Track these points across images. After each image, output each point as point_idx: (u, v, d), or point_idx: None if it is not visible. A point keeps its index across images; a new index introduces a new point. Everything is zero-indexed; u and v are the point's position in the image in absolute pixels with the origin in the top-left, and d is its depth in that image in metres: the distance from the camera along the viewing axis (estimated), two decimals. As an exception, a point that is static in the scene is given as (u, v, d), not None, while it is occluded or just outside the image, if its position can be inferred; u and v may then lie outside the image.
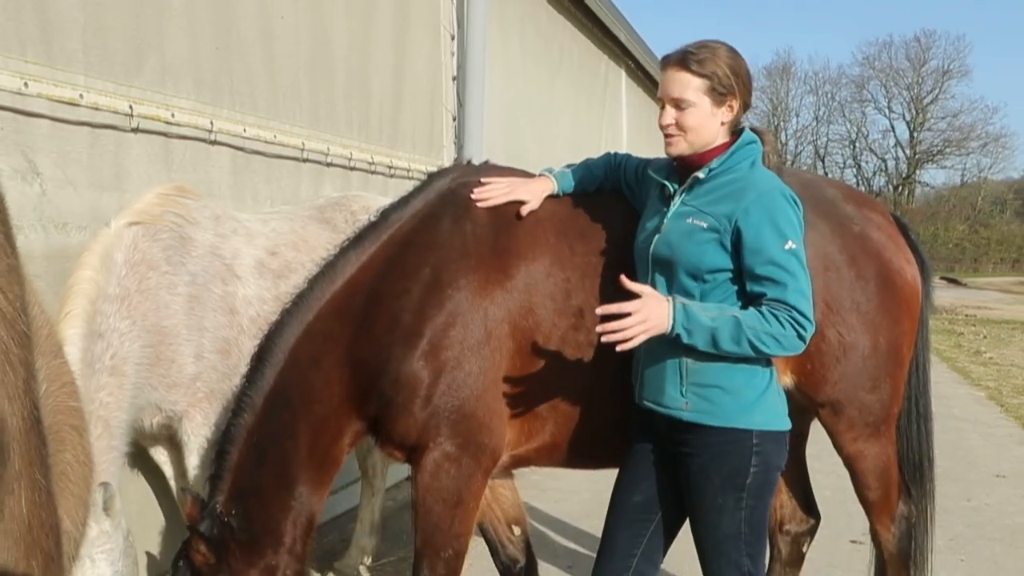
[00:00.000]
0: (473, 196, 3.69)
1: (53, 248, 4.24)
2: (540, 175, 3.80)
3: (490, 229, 3.63)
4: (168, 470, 4.59)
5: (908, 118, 75.94)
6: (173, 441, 4.35)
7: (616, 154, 3.81)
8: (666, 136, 3.23)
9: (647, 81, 18.19)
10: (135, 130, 4.72)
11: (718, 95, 3.16)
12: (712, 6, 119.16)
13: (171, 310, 4.06)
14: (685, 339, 3.00)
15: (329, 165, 6.55)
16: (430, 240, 3.62)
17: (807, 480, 4.52)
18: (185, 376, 4.11)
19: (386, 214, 3.76)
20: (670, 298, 3.04)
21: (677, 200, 3.25)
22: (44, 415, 1.44)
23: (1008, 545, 6.61)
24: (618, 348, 3.00)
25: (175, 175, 4.99)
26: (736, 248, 3.08)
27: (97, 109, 4.49)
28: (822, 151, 77.92)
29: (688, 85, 3.15)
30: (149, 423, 4.18)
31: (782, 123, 74.60)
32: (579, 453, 3.74)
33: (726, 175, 3.18)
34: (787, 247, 3.04)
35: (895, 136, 77.75)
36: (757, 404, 3.19)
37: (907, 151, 76.20)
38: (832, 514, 5.83)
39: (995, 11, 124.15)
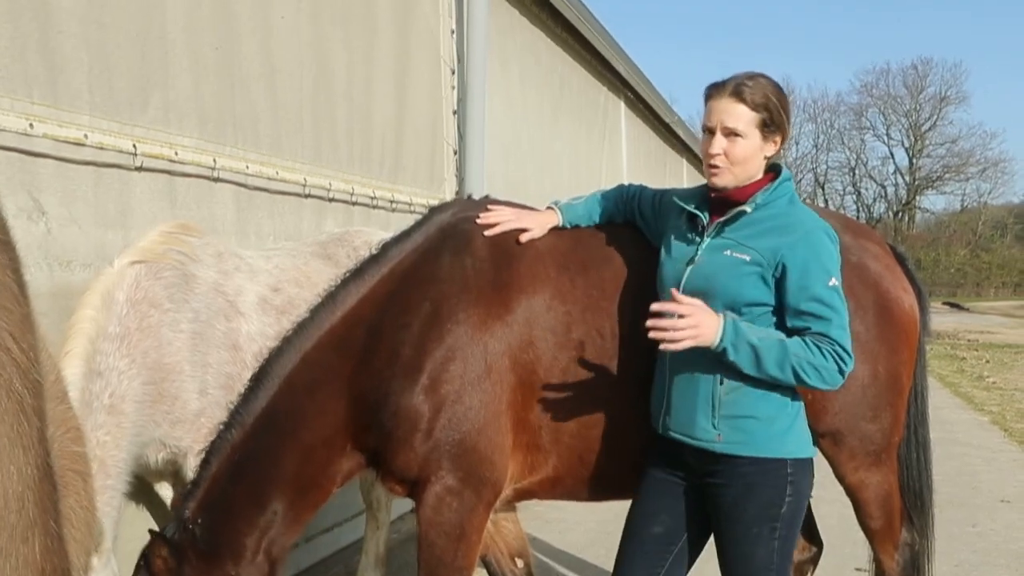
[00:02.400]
0: (479, 222, 3.73)
1: (58, 286, 4.28)
2: (547, 208, 3.84)
3: (490, 263, 3.66)
4: (173, 506, 4.60)
5: (907, 145, 76.18)
6: (178, 477, 4.37)
7: (630, 185, 3.83)
8: (711, 167, 3.23)
9: (646, 112, 18.31)
10: (139, 168, 4.77)
11: (768, 130, 3.19)
12: (710, 36, 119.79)
13: (174, 347, 4.09)
14: (730, 355, 3.01)
15: (331, 200, 6.60)
16: (430, 274, 3.65)
17: (809, 508, 4.50)
18: (189, 412, 4.13)
19: (387, 247, 3.80)
20: (722, 312, 3.06)
21: (713, 232, 3.26)
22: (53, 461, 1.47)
23: (1014, 571, 6.59)
24: (662, 347, 3.01)
25: (179, 212, 5.04)
26: (779, 283, 3.11)
27: (102, 148, 4.54)
28: (822, 178, 78.13)
29: (742, 117, 3.17)
30: (154, 459, 4.19)
31: (782, 151, 74.69)
32: (582, 486, 3.74)
33: (768, 210, 3.21)
34: (831, 284, 3.08)
35: (894, 163, 78.01)
36: (789, 432, 3.22)
37: (906, 177, 76.38)
38: (837, 542, 5.82)
39: (992, 37, 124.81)
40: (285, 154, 6.09)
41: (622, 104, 16.28)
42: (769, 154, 3.24)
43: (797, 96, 77.56)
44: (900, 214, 76.59)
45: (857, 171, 78.34)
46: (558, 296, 3.63)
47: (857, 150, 78.42)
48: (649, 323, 3.03)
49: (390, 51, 7.60)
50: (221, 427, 3.71)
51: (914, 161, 75.84)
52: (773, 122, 3.18)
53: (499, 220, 3.73)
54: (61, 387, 2.04)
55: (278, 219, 6.01)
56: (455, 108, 8.70)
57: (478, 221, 3.74)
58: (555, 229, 3.77)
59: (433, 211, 3.94)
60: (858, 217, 73.22)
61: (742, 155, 3.18)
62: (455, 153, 8.72)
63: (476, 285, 3.61)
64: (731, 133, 3.18)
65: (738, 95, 3.18)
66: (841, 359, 3.04)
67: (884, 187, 78.30)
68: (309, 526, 6.12)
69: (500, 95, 9.75)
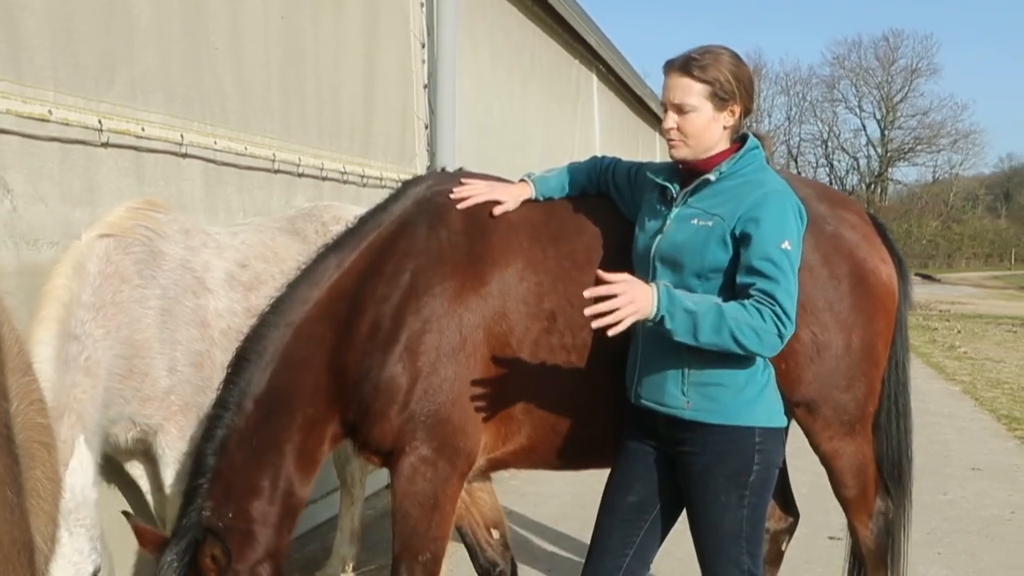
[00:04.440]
0: (452, 196, 3.73)
1: (25, 264, 4.23)
2: (520, 180, 3.84)
3: (464, 236, 3.67)
4: (144, 484, 4.57)
5: (879, 116, 76.68)
6: (148, 455, 4.34)
7: (603, 157, 3.85)
8: (668, 141, 3.28)
9: (618, 85, 18.27)
10: (105, 144, 4.72)
11: (720, 100, 3.20)
12: (681, 8, 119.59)
13: (143, 324, 4.06)
14: (667, 323, 2.99)
15: (301, 176, 6.55)
16: (407, 247, 3.66)
17: (786, 478, 4.54)
18: (159, 390, 4.11)
19: (363, 221, 3.81)
20: (654, 283, 3.05)
21: (680, 202, 3.29)
22: (15, 433, 1.45)
23: (984, 537, 6.69)
24: (609, 332, 2.98)
25: (147, 189, 4.99)
26: (738, 243, 3.12)
27: (67, 125, 4.48)
28: (795, 151, 78.54)
29: (690, 90, 3.19)
30: (124, 438, 4.17)
31: (755, 124, 74.87)
32: (555, 456, 3.77)
33: (734, 179, 3.23)
34: (783, 246, 3.08)
35: (866, 135, 78.51)
36: (758, 401, 3.24)
37: (879, 149, 76.90)
38: (809, 511, 5.87)
39: (962, 10, 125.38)
40: (254, 129, 6.04)
41: (594, 77, 16.24)
42: (728, 124, 3.25)
43: (769, 69, 78.00)
44: (872, 186, 77.10)
45: (830, 143, 78.84)
46: (530, 267, 3.64)
47: (829, 122, 78.91)
48: (587, 311, 2.99)
49: (359, 26, 7.54)
50: (212, 419, 3.67)
51: (886, 133, 76.35)
52: (725, 92, 3.19)
53: (472, 193, 3.74)
54: (24, 360, 2.02)
55: (247, 195, 5.97)
56: (426, 82, 8.66)
57: (451, 197, 3.73)
58: (528, 201, 3.78)
59: (408, 184, 3.95)
60: (831, 189, 73.73)
61: (694, 128, 3.21)
62: (426, 128, 8.68)
63: (451, 258, 3.63)
64: (682, 106, 3.20)
65: (685, 70, 3.21)
66: (781, 322, 3.02)
67: (856, 159, 78.86)
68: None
69: (470, 69, 9.70)
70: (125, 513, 3.83)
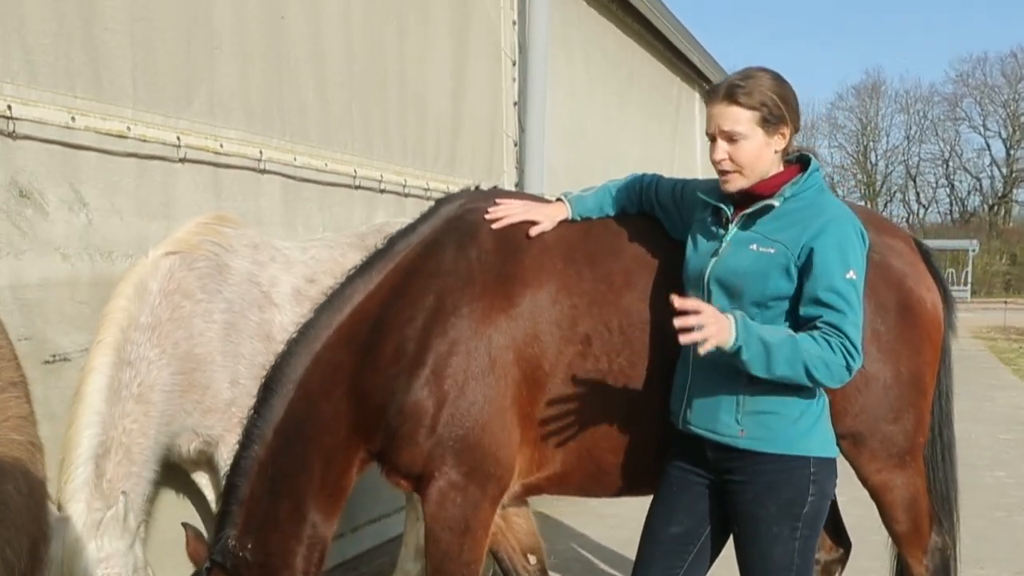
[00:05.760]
0: (487, 216, 3.68)
1: (99, 275, 4.37)
2: (556, 199, 3.79)
3: (495, 255, 3.61)
4: (210, 493, 4.67)
5: (1004, 136, 73.97)
6: (212, 465, 4.44)
7: (644, 175, 3.76)
8: (721, 173, 3.17)
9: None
10: (183, 160, 4.85)
11: (770, 125, 3.10)
12: (794, 26, 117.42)
13: (206, 337, 4.14)
14: (743, 354, 2.91)
15: (383, 192, 6.63)
16: (435, 267, 3.61)
17: (836, 507, 4.40)
18: (220, 402, 4.19)
19: (393, 242, 3.76)
20: (731, 313, 2.97)
21: (738, 224, 3.20)
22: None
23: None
24: (700, 350, 2.87)
25: (224, 204, 5.11)
26: (800, 272, 3.04)
27: (145, 141, 4.62)
28: (914, 171, 76.27)
29: (739, 118, 3.09)
30: (187, 448, 4.26)
31: (871, 143, 73.23)
32: (591, 483, 3.69)
33: (795, 202, 3.13)
34: (848, 275, 3.00)
35: (990, 154, 75.67)
36: (813, 431, 3.15)
37: (1003, 170, 74.14)
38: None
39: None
40: (335, 146, 6.13)
41: (697, 96, 16.07)
42: (779, 148, 3.14)
43: (888, 87, 75.90)
44: (995, 207, 74.41)
45: (951, 163, 76.31)
46: (564, 289, 3.57)
47: (951, 142, 76.38)
48: (678, 322, 2.89)
49: (446, 42, 7.60)
50: (240, 446, 3.67)
51: (1012, 153, 73.61)
52: (774, 115, 3.08)
53: (507, 212, 3.68)
54: (2, 376, 2.07)
55: (327, 211, 6.05)
56: (516, 100, 8.68)
57: (486, 214, 3.69)
58: (564, 221, 3.71)
59: (440, 203, 3.90)
60: (951, 211, 71.54)
61: (747, 157, 3.10)
62: (515, 145, 8.69)
63: (480, 278, 3.56)
64: (731, 137, 3.11)
65: (730, 98, 3.10)
66: (849, 354, 2.94)
67: (979, 180, 76.15)
68: (356, 517, 6.20)
69: (563, 86, 9.70)
70: (184, 524, 3.90)
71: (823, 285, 2.98)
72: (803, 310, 3.03)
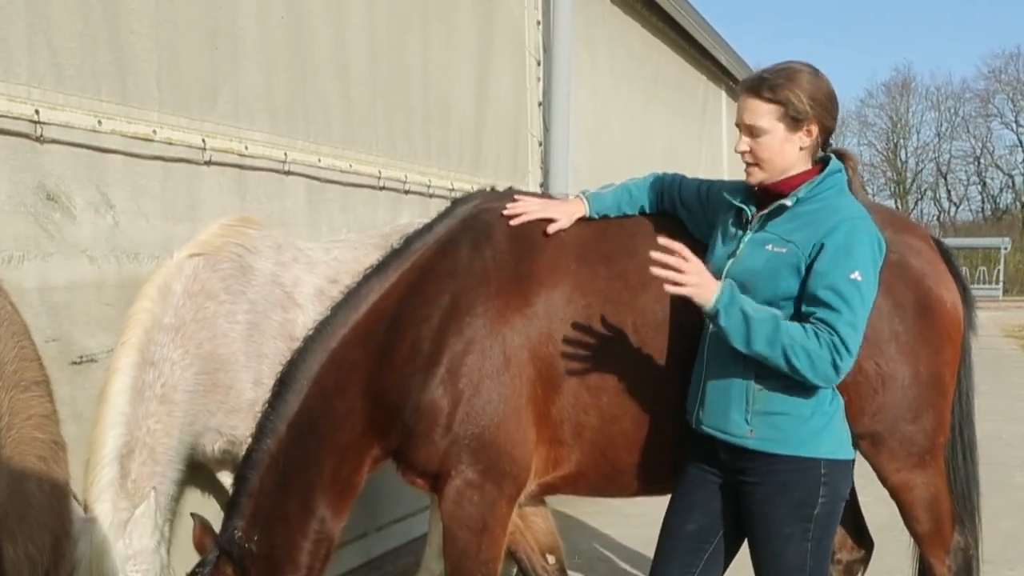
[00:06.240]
0: (505, 213, 3.70)
1: (125, 277, 4.42)
2: (575, 197, 3.79)
3: (510, 255, 3.63)
4: (235, 492, 4.70)
5: (1038, 132, 73.14)
6: (237, 465, 4.47)
7: (665, 174, 3.76)
8: (745, 164, 3.19)
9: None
10: (208, 163, 4.89)
11: (793, 121, 3.08)
12: (824, 23, 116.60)
13: (229, 338, 4.18)
14: (721, 319, 2.95)
15: (407, 192, 6.65)
16: (450, 267, 3.63)
17: (857, 507, 4.40)
18: (244, 402, 4.22)
19: (409, 241, 3.78)
20: (725, 281, 3.02)
21: (756, 225, 3.20)
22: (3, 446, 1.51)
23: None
24: (666, 288, 2.98)
25: (249, 206, 5.15)
26: (807, 270, 3.03)
27: (170, 144, 4.67)
28: (944, 168, 75.54)
29: (760, 112, 3.09)
30: (211, 448, 4.30)
31: (902, 140, 72.50)
32: (607, 482, 3.70)
33: (811, 203, 3.12)
34: (852, 276, 2.98)
35: (1023, 151, 74.97)
36: (825, 432, 3.13)
37: (1036, 167, 73.36)
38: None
39: None
40: (359, 146, 6.16)
41: (723, 94, 16.01)
42: (804, 145, 3.12)
43: (919, 83, 75.16)
44: (1028, 205, 73.65)
45: (983, 160, 75.46)
46: (579, 288, 3.58)
47: (983, 138, 75.55)
48: (656, 255, 2.98)
49: (471, 42, 7.62)
50: (252, 440, 3.70)
51: (1045, 150, 72.82)
52: (798, 112, 3.06)
53: (524, 211, 3.69)
54: (25, 376, 2.10)
55: (351, 212, 6.09)
56: (540, 100, 8.68)
57: (504, 212, 3.70)
58: (581, 220, 3.71)
59: (456, 203, 3.93)
60: (983, 208, 70.80)
61: (767, 151, 3.11)
62: (540, 145, 8.70)
63: (496, 277, 3.58)
64: (752, 128, 3.11)
65: (754, 91, 3.10)
66: (837, 352, 2.92)
67: (1012, 177, 75.23)
68: (381, 516, 6.23)
69: (588, 85, 9.70)
70: (193, 514, 3.91)
71: (824, 283, 2.98)
72: (803, 307, 3.03)
